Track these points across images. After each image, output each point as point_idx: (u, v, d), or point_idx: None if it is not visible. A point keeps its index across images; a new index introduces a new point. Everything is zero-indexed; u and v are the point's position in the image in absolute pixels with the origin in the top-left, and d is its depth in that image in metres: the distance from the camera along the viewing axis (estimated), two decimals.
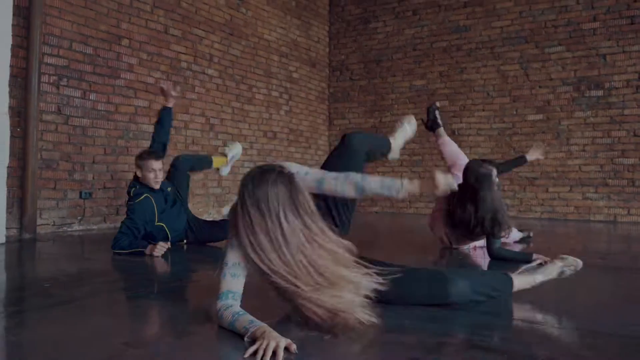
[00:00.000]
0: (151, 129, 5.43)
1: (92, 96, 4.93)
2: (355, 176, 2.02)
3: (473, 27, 7.32)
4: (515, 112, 7.01)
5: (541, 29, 6.91)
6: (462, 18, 7.41)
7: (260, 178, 1.69)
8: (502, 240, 3.40)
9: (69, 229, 4.75)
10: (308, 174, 2.04)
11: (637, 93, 6.39)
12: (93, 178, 4.94)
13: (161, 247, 3.36)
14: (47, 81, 4.56)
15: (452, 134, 7.22)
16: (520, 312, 2.11)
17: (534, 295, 2.21)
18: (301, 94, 7.72)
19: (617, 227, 5.91)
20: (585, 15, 6.67)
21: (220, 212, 4.42)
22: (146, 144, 5.38)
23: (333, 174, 2.05)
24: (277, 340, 1.46)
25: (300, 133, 7.70)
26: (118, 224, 5.02)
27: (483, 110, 7.24)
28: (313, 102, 8.00)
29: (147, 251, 3.36)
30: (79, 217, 4.83)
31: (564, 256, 2.33)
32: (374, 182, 2.01)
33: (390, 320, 1.82)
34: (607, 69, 6.55)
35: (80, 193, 4.83)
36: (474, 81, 7.28)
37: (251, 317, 1.63)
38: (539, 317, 2.06)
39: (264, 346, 1.45)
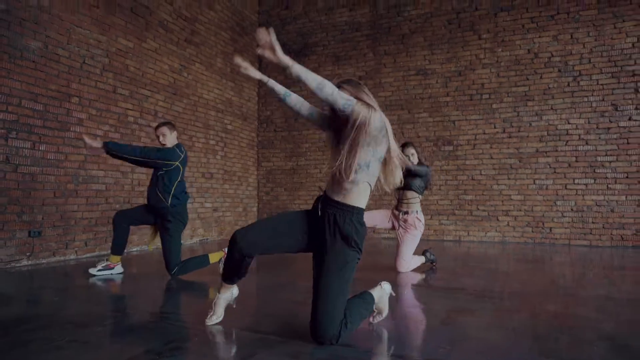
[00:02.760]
0: (100, 174, 4.67)
1: (42, 147, 4.10)
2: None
3: None
4: None
5: (412, 100, 6.82)
6: None
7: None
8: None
9: (17, 265, 3.87)
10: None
11: (474, 149, 6.44)
12: (42, 218, 4.09)
13: None
14: None
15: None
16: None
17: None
18: (234, 142, 7.13)
19: (460, 245, 5.87)
20: (442, 91, 6.65)
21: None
22: (95, 186, 4.62)
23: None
24: None
25: (233, 173, 7.09)
26: (67, 257, 4.24)
27: None
28: (244, 149, 7.43)
29: None
30: (27, 254, 3.96)
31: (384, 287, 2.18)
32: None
33: None
34: (455, 131, 6.54)
35: (29, 232, 3.97)
36: None
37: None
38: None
39: None
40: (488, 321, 2.28)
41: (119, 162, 4.87)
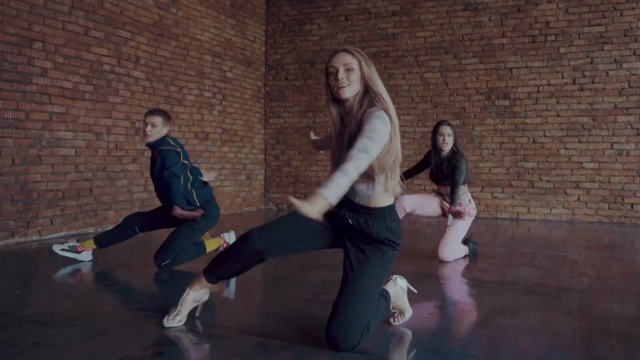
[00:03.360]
0: (69, 135, 4.71)
1: None
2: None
3: (400, 35, 6.94)
4: (435, 118, 6.67)
5: (459, 42, 6.63)
6: (390, 26, 7.00)
7: None
8: None
9: None
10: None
11: (536, 104, 6.32)
12: None
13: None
14: None
15: None
16: None
17: None
18: (236, 93, 7.06)
19: (518, 224, 5.83)
20: (496, 31, 6.46)
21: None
22: (63, 151, 4.67)
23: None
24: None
25: (234, 133, 7.06)
26: (28, 239, 4.35)
27: (407, 114, 6.90)
28: (248, 102, 7.36)
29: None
30: None
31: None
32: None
33: None
34: (512, 81, 6.40)
35: None
36: (400, 87, 6.90)
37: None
38: None
39: None
40: (532, 323, 2.29)
41: (91, 121, 4.91)
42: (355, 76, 1.86)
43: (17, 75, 4.26)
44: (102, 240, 3.47)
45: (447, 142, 3.70)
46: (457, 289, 3.08)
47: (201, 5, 6.37)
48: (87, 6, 4.86)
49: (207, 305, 2.27)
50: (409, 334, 2.13)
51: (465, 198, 3.79)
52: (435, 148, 3.77)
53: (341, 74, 1.85)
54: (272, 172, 7.72)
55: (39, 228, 4.49)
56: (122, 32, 5.26)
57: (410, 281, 2.37)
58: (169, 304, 2.26)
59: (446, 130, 3.70)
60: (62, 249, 3.48)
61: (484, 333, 2.13)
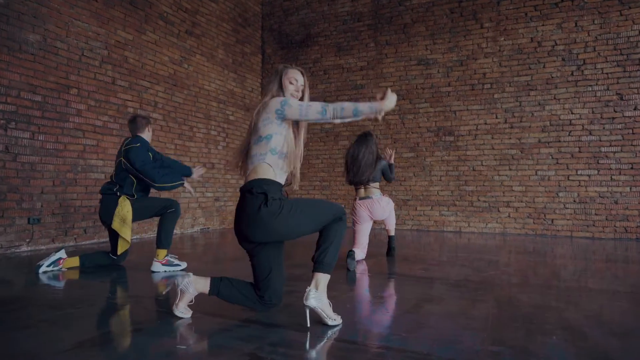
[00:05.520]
0: (99, 163, 4.78)
1: (41, 137, 4.22)
2: (349, 104, 1.91)
3: (367, 85, 7.07)
4: (396, 151, 6.78)
5: (413, 90, 6.74)
6: (359, 78, 7.14)
7: None
8: None
9: (17, 250, 4.02)
10: (310, 106, 1.93)
11: (475, 139, 6.36)
12: (42, 206, 4.22)
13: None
14: None
15: None
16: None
17: None
18: (236, 132, 7.19)
19: (460, 236, 5.82)
20: (443, 81, 6.56)
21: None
22: (94, 175, 4.73)
23: (331, 104, 1.93)
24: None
25: (235, 164, 7.12)
26: (66, 244, 4.37)
27: None
28: None
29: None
30: (27, 240, 4.11)
31: None
32: (362, 105, 1.90)
33: None
34: (456, 121, 6.45)
35: (29, 219, 4.11)
36: (366, 126, 7.00)
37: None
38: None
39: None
40: (453, 310, 2.28)
41: (116, 151, 4.98)
42: (302, 91, 2.11)
43: (57, 115, 4.36)
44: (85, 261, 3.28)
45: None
46: (398, 283, 3.03)
47: (208, 62, 6.55)
48: (115, 61, 5.01)
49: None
50: (345, 317, 2.06)
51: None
52: None
53: (298, 88, 2.08)
54: None
55: (75, 236, 4.52)
56: (143, 82, 5.40)
57: (365, 277, 2.38)
58: (157, 293, 2.29)
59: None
60: (46, 268, 3.14)
61: (411, 317, 2.13)
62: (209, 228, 6.49)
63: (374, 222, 3.89)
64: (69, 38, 4.47)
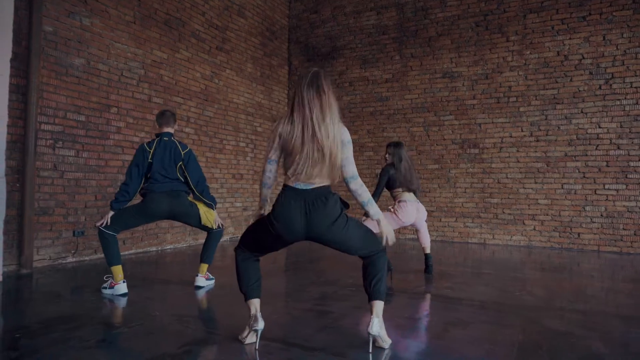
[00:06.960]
0: None
1: (85, 154, 4.48)
2: (370, 195, 2.10)
3: (391, 97, 7.14)
4: (419, 163, 6.83)
5: (438, 102, 6.78)
6: (384, 90, 7.22)
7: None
8: None
9: (64, 262, 4.29)
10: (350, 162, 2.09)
11: (500, 152, 6.35)
12: (85, 219, 4.48)
13: None
14: (44, 144, 4.11)
15: (375, 177, 7.03)
16: None
17: None
18: (264, 143, 7.36)
19: (485, 248, 5.83)
20: (468, 94, 6.57)
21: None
22: None
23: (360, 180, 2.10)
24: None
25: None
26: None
27: None
28: None
29: None
30: (72, 251, 4.37)
31: None
32: (374, 204, 2.11)
33: None
34: (481, 134, 6.46)
35: (74, 232, 4.37)
36: (391, 138, 7.07)
37: None
38: None
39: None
40: (478, 335, 2.33)
41: None
42: None
43: (98, 133, 4.62)
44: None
45: (386, 158, 3.99)
46: (423, 304, 3.08)
47: (237, 77, 6.75)
48: (151, 79, 5.25)
49: (229, 314, 2.44)
50: (379, 341, 2.10)
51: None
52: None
53: None
54: None
55: None
56: (177, 98, 5.63)
57: (387, 295, 2.44)
58: (202, 311, 2.43)
59: (388, 149, 3.98)
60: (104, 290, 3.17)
61: (438, 343, 2.18)
62: (237, 237, 6.69)
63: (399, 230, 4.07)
64: (110, 60, 4.73)
